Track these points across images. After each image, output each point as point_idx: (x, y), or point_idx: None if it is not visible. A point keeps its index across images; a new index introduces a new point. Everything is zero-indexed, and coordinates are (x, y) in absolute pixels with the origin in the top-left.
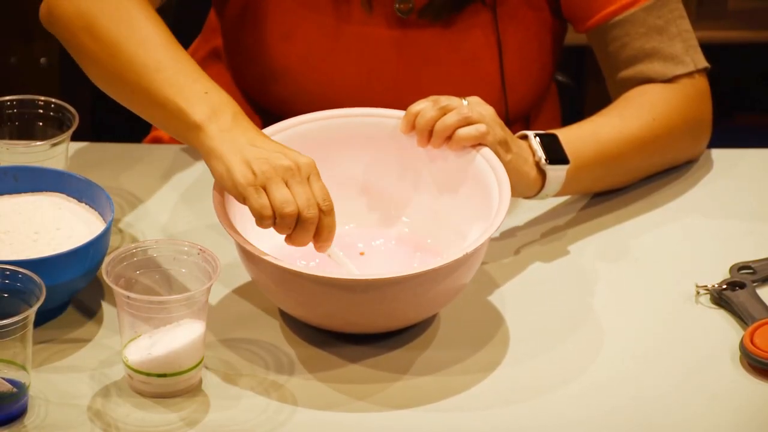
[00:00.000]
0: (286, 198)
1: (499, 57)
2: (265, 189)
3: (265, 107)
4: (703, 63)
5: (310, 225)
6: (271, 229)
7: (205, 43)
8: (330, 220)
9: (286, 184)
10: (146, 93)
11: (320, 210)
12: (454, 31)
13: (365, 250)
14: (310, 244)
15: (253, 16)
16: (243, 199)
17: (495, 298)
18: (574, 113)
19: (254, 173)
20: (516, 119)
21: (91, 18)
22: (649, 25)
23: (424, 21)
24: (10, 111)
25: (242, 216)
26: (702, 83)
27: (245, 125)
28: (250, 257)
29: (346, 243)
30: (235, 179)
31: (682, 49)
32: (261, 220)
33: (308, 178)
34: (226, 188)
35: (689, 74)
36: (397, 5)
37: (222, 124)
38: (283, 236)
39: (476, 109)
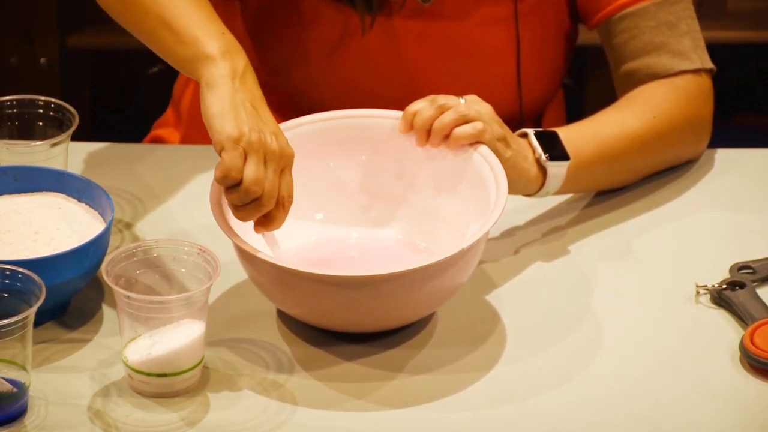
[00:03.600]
0: (258, 176)
1: (516, 55)
2: (245, 155)
3: (284, 95)
4: (709, 64)
5: (261, 209)
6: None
7: None
8: (283, 216)
9: (264, 164)
10: (160, 16)
11: (280, 202)
12: (475, 26)
13: (364, 249)
14: None
15: (277, 3)
16: (221, 149)
17: (492, 298)
18: (574, 113)
19: (244, 134)
20: (528, 119)
21: None
22: (660, 20)
23: (446, 13)
24: (10, 111)
25: None
26: (706, 83)
27: (252, 81)
28: (246, 257)
29: (346, 243)
30: (224, 127)
31: (691, 47)
32: (225, 178)
33: (283, 169)
34: (208, 124)
35: (695, 72)
36: None
37: (235, 65)
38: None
39: (474, 107)
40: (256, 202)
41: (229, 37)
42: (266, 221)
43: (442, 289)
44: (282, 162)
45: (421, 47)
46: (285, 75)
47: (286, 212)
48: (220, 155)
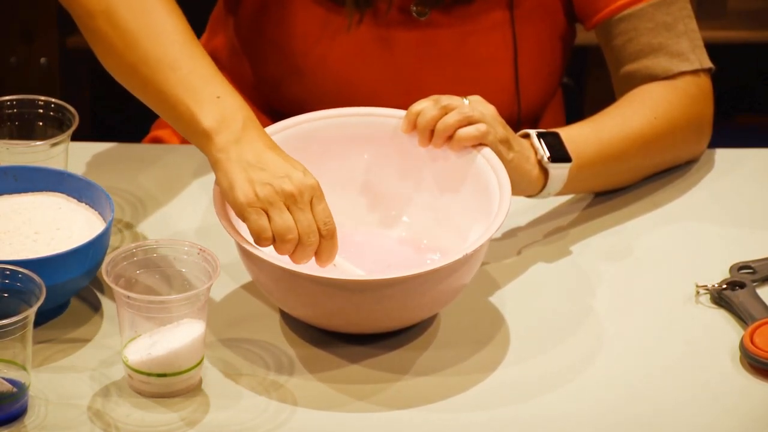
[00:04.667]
0: (287, 225)
1: (514, 59)
2: (266, 212)
3: (279, 108)
4: (708, 63)
5: (309, 250)
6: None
7: (207, 42)
8: (331, 244)
9: (288, 209)
10: (158, 91)
11: (321, 234)
12: (471, 33)
13: (366, 249)
14: None
15: (271, 15)
16: (242, 219)
17: (495, 299)
18: (574, 113)
19: (257, 195)
20: (527, 121)
21: (111, 3)
22: (657, 21)
23: (441, 22)
24: (10, 111)
25: None
26: (705, 83)
27: (254, 135)
28: (250, 257)
29: (349, 242)
30: (237, 198)
31: (689, 48)
32: (259, 242)
33: (311, 201)
34: (228, 202)
35: (694, 72)
36: (414, 7)
37: (231, 133)
38: None
39: (477, 108)
40: (300, 244)
41: (226, 100)
42: (319, 255)
43: (445, 291)
44: (306, 196)
45: (417, 55)
46: (281, 87)
47: (333, 239)
48: (245, 224)
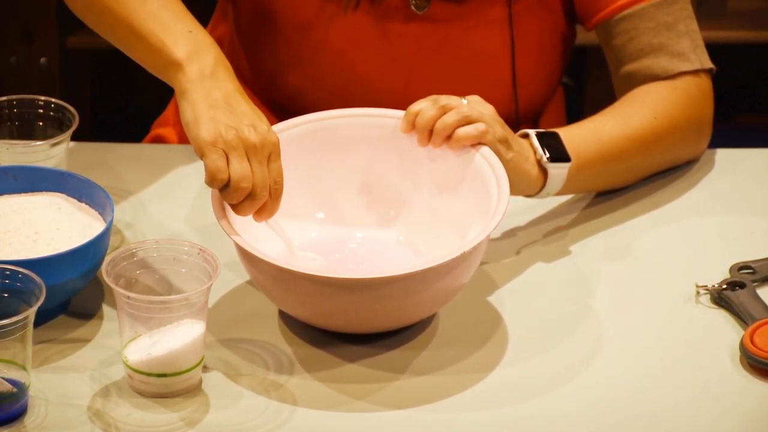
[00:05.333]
0: (244, 172)
1: (511, 56)
2: (226, 155)
3: (277, 99)
4: (708, 64)
5: (257, 203)
6: (269, 231)
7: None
8: (275, 203)
9: (247, 158)
10: (128, 24)
11: (270, 192)
12: (469, 28)
13: (365, 249)
14: None
15: (270, 6)
16: (201, 155)
17: (494, 298)
18: (574, 113)
19: (221, 136)
20: (525, 119)
21: None
22: (658, 21)
23: (440, 16)
24: (10, 111)
25: (241, 216)
26: (706, 84)
27: (225, 74)
28: (248, 257)
29: (347, 242)
30: (200, 133)
31: (690, 48)
32: (212, 182)
33: (269, 157)
34: (188, 135)
35: (694, 73)
36: (413, 1)
37: (203, 66)
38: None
39: (476, 107)
40: (250, 196)
41: (197, 35)
42: (262, 211)
43: (444, 290)
44: (265, 151)
45: (415, 48)
46: (280, 79)
47: (278, 199)
48: (203, 161)
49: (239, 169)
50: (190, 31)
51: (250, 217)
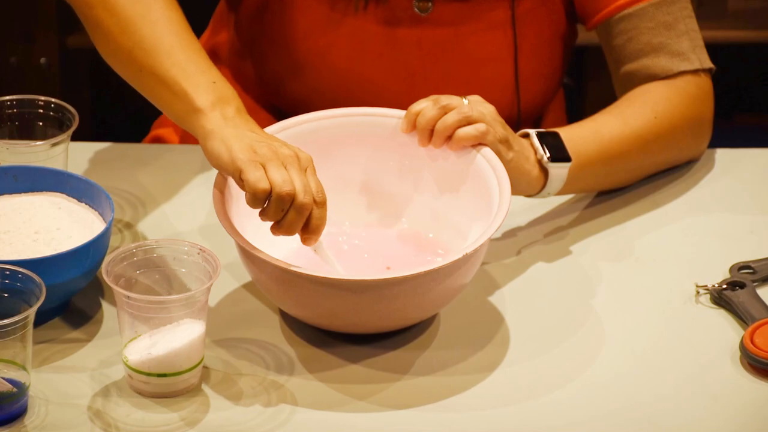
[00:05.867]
0: (284, 178)
1: (514, 57)
2: (264, 168)
3: (280, 105)
4: (708, 63)
5: (303, 210)
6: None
7: (209, 40)
8: (322, 213)
9: (285, 168)
10: (154, 73)
11: (314, 201)
12: (472, 31)
13: (366, 249)
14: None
15: (273, 12)
16: (239, 174)
17: (495, 299)
18: (574, 113)
19: (255, 151)
20: (527, 120)
21: None
22: (658, 21)
23: (443, 19)
24: (10, 111)
25: (242, 216)
26: (705, 83)
27: (247, 120)
28: (250, 257)
29: (348, 242)
30: (234, 154)
31: (689, 47)
32: (255, 195)
33: (306, 170)
34: (222, 166)
35: (694, 72)
36: (415, 3)
37: (225, 113)
38: (271, 227)
39: (477, 107)
40: (294, 205)
41: (220, 86)
42: (307, 225)
43: (445, 291)
44: (302, 163)
45: (419, 52)
46: (282, 85)
47: (323, 209)
48: (242, 183)
49: (278, 176)
50: (214, 82)
51: (250, 218)
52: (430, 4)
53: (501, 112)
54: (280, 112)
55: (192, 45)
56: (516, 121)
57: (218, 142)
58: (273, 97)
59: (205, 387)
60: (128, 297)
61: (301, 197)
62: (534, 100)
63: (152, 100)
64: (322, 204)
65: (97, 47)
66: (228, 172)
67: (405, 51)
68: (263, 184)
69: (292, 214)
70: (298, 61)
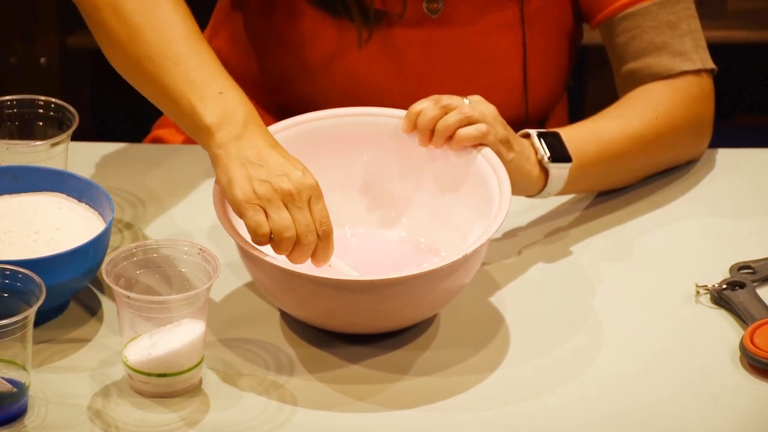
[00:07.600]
0: (285, 223)
1: (523, 57)
2: (264, 210)
3: (285, 105)
4: (710, 64)
5: (307, 249)
6: None
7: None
8: (326, 244)
9: (286, 207)
10: (162, 85)
11: (317, 234)
12: (481, 32)
13: (366, 249)
14: None
15: (281, 12)
16: (240, 215)
17: (496, 299)
18: (575, 113)
19: (255, 192)
20: (533, 121)
21: None
22: (661, 20)
23: (453, 20)
24: (10, 111)
25: None
26: (707, 84)
27: (256, 131)
28: (250, 257)
29: (348, 242)
30: (235, 194)
31: (692, 47)
32: (256, 237)
33: (309, 200)
34: (226, 199)
35: (696, 72)
36: (425, 4)
37: (232, 129)
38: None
39: (478, 107)
40: (298, 244)
41: (228, 95)
42: (315, 255)
43: (445, 291)
44: (303, 195)
45: (426, 55)
46: (287, 87)
47: (328, 240)
48: (243, 220)
49: (279, 220)
50: (221, 93)
51: None
52: (440, 5)
53: (509, 112)
54: (283, 111)
55: (200, 49)
56: (523, 121)
57: (222, 173)
58: (278, 97)
59: (205, 387)
60: (128, 297)
61: (303, 239)
62: (541, 100)
63: (161, 109)
64: (325, 237)
65: (104, 52)
66: (232, 208)
67: (414, 52)
68: (263, 230)
69: (296, 251)
70: (306, 63)
